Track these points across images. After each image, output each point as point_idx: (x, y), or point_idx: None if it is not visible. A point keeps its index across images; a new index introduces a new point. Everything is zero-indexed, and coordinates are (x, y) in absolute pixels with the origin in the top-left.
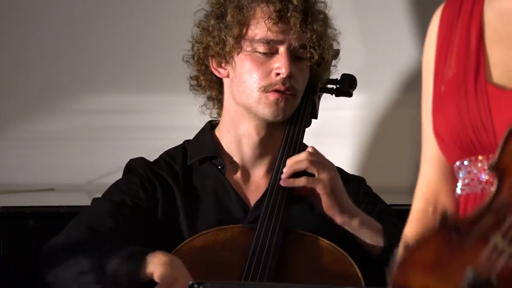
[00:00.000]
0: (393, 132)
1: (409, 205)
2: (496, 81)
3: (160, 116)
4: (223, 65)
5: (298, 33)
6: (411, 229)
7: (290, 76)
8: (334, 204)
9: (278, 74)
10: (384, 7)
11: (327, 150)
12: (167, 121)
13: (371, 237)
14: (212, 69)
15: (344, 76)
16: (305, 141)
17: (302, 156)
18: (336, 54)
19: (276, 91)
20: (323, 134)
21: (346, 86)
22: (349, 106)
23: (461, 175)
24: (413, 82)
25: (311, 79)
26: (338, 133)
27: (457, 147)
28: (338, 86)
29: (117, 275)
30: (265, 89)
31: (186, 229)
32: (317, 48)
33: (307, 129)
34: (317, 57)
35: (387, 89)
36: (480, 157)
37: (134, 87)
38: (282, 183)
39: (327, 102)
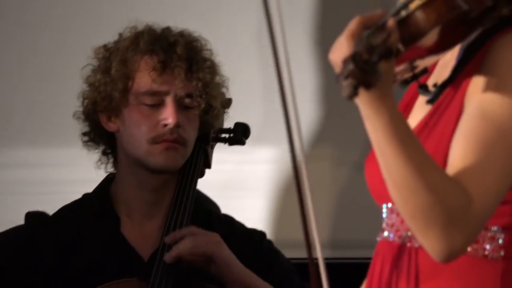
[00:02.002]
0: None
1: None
2: None
3: (63, 170)
4: (112, 119)
5: (184, 83)
6: None
7: (178, 126)
8: (223, 278)
9: (165, 125)
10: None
11: (236, 203)
12: (69, 175)
13: None
14: (103, 123)
15: (237, 124)
16: (213, 193)
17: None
18: (227, 102)
19: (165, 141)
20: (233, 187)
21: (239, 134)
22: (261, 160)
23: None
24: (321, 136)
25: (202, 128)
26: (249, 186)
27: (373, 192)
28: (231, 135)
29: None
30: (154, 141)
31: (76, 286)
32: (204, 96)
33: (212, 181)
34: (203, 105)
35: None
36: (384, 205)
37: (38, 140)
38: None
39: (238, 155)
